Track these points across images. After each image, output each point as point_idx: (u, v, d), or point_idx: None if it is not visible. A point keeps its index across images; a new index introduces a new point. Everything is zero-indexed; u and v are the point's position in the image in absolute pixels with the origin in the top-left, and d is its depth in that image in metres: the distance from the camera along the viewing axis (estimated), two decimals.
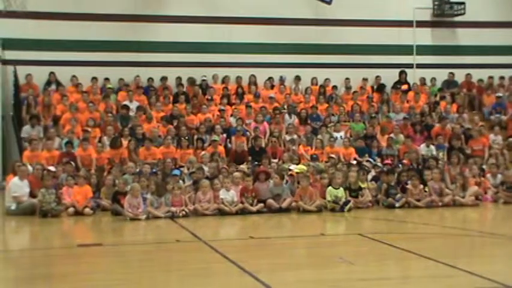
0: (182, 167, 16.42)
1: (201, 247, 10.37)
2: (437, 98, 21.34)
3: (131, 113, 18.93)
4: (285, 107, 19.94)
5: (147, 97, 19.96)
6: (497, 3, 23.15)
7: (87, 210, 14.13)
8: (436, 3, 22.69)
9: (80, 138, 17.27)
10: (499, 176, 16.29)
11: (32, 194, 14.43)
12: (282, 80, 21.40)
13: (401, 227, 12.97)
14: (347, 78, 21.66)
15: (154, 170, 15.63)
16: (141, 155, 17.03)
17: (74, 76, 20.22)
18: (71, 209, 14.10)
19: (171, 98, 20.02)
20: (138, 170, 15.62)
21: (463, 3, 22.41)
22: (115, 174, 15.25)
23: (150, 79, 20.71)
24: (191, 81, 20.86)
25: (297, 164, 16.27)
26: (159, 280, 8.12)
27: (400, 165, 16.79)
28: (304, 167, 15.88)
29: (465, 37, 22.96)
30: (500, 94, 21.49)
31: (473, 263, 9.01)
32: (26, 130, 17.91)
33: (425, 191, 15.20)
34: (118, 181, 14.73)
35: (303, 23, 21.70)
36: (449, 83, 22.21)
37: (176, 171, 15.65)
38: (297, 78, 21.40)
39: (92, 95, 19.66)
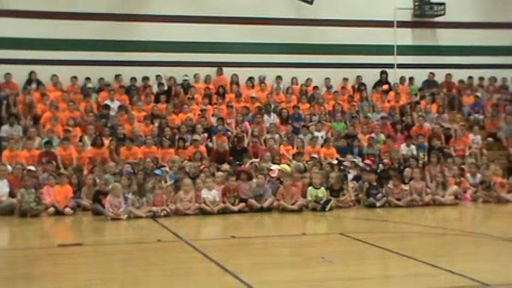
0: (164, 166, 16.38)
1: (182, 247, 10.35)
2: (418, 98, 21.47)
3: (112, 113, 18.86)
4: (266, 106, 19.94)
5: (129, 97, 19.88)
6: (477, 4, 23.33)
7: (67, 210, 14.06)
8: (417, 3, 22.82)
9: (61, 138, 17.18)
10: (478, 175, 16.45)
11: (12, 194, 14.35)
12: (261, 80, 21.41)
13: (383, 227, 13.04)
14: (328, 78, 21.72)
15: (135, 170, 15.58)
16: (123, 154, 16.98)
17: (54, 75, 20.07)
18: (51, 209, 14.02)
19: (153, 98, 19.95)
20: (119, 169, 15.56)
21: (443, 4, 22.55)
22: (96, 174, 15.18)
23: (133, 79, 20.61)
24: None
25: (278, 164, 16.31)
26: (140, 280, 8.08)
27: (380, 165, 16.91)
28: (288, 167, 15.92)
29: (445, 37, 23.11)
30: (479, 94, 21.67)
31: (453, 261, 9.08)
32: (5, 129, 17.76)
33: (406, 190, 15.31)
34: (99, 181, 14.67)
35: (285, 23, 21.71)
36: (430, 83, 22.35)
37: (158, 171, 15.62)
38: (279, 78, 21.42)
39: (72, 94, 19.55)
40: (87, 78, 20.38)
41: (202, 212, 14.05)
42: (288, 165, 16.35)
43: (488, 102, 21.37)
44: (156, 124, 18.58)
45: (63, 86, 20.03)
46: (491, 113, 20.61)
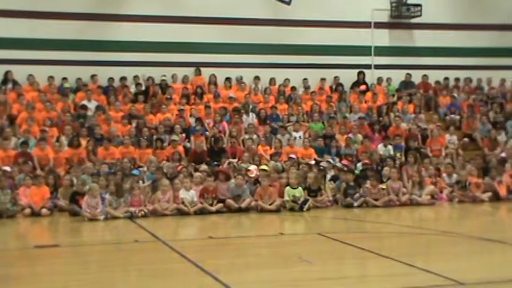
0: (141, 167, 16.33)
1: (160, 247, 10.33)
2: (395, 99, 21.61)
3: (89, 113, 18.77)
4: (245, 106, 19.95)
5: (107, 97, 19.79)
6: (453, 6, 23.53)
7: (44, 210, 13.96)
8: (394, 5, 22.95)
9: (37, 138, 17.04)
10: (454, 175, 16.61)
11: None
12: (238, 80, 21.42)
13: (360, 226, 13.12)
14: (306, 79, 21.78)
15: (112, 170, 15.52)
16: (100, 155, 16.90)
17: (30, 75, 19.89)
18: (28, 210, 13.91)
19: (131, 98, 19.87)
20: (96, 170, 15.49)
21: (419, 5, 22.71)
22: (73, 175, 15.10)
23: (111, 79, 20.50)
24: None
25: (257, 164, 16.34)
26: (117, 281, 8.07)
27: (358, 165, 17.00)
28: (267, 167, 15.95)
29: (422, 39, 23.26)
30: (455, 95, 21.87)
31: (429, 261, 9.17)
32: None
33: (383, 189, 15.42)
34: (76, 181, 14.59)
35: (263, 23, 21.73)
36: (407, 84, 22.50)
37: (136, 171, 15.58)
38: (257, 78, 21.44)
39: (49, 94, 19.41)
40: (64, 78, 20.22)
41: (180, 213, 14.03)
42: (266, 165, 16.38)
43: (464, 103, 21.56)
44: (134, 124, 18.52)
45: (40, 86, 19.87)
46: (467, 114, 20.79)
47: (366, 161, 17.08)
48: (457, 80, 22.91)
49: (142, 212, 13.68)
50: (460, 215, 14.99)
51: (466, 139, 19.66)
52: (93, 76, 20.41)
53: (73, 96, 19.75)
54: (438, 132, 18.95)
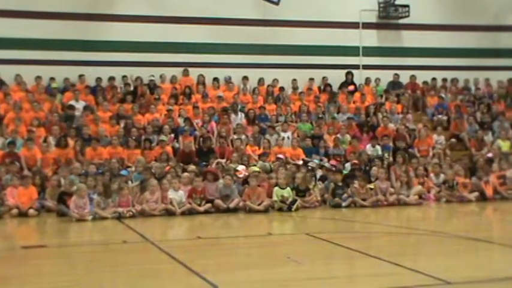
0: (130, 167, 16.30)
1: (148, 248, 10.32)
2: (383, 99, 21.68)
3: (77, 113, 18.71)
4: (233, 105, 19.95)
5: (95, 97, 19.73)
6: (440, 7, 23.63)
7: (31, 211, 13.91)
8: (382, 5, 23.03)
9: (24, 138, 16.97)
10: (442, 175, 16.68)
11: None
12: (227, 80, 21.41)
13: (348, 227, 13.16)
14: (294, 79, 21.81)
15: (100, 170, 15.48)
16: (88, 155, 16.86)
17: (18, 75, 19.80)
18: (15, 210, 13.85)
19: (120, 98, 19.82)
20: (84, 170, 15.45)
21: (407, 6, 22.80)
22: (61, 175, 15.04)
23: (99, 79, 20.44)
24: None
25: (245, 165, 16.35)
26: (105, 282, 8.04)
27: (347, 165, 17.05)
28: (259, 168, 15.97)
29: (409, 39, 23.35)
30: (443, 95, 21.97)
31: (417, 260, 9.22)
32: None
33: (371, 189, 15.47)
34: (64, 182, 14.54)
35: (251, 23, 21.75)
36: (395, 84, 22.58)
37: (124, 172, 15.54)
38: (245, 79, 21.44)
39: (36, 94, 19.34)
40: (52, 78, 20.16)
41: (169, 213, 14.01)
42: (255, 165, 16.39)
43: (452, 104, 21.66)
44: (122, 125, 18.48)
45: (27, 86, 19.78)
46: (454, 114, 20.89)
47: (355, 161, 17.12)
48: (444, 80, 23.02)
49: (131, 213, 13.66)
50: (447, 215, 15.06)
51: (453, 139, 19.76)
52: (80, 76, 20.33)
53: (60, 96, 19.68)
54: (426, 133, 19.03)
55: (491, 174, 16.78)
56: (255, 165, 16.32)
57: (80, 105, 19.11)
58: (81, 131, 17.76)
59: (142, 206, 13.90)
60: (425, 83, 22.75)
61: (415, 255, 9.76)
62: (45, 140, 17.13)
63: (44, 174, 15.62)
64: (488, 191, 16.37)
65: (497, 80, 23.39)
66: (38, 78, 19.87)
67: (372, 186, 15.57)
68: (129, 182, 15.10)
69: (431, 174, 16.82)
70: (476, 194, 16.24)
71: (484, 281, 7.64)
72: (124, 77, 20.69)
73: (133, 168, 16.03)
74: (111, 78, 20.54)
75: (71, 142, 17.08)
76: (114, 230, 12.48)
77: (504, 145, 18.97)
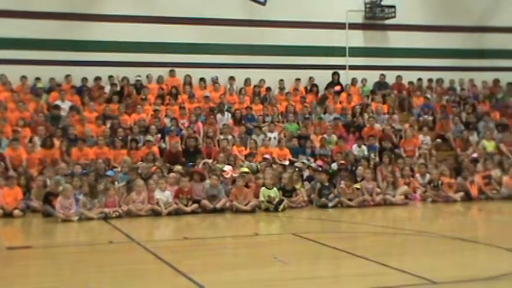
0: (116, 167, 16.25)
1: (134, 248, 10.30)
2: (369, 100, 21.74)
3: (63, 113, 18.63)
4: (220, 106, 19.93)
5: (81, 97, 19.65)
6: (426, 7, 23.74)
7: (16, 212, 13.84)
8: (368, 6, 23.10)
9: (10, 139, 16.88)
10: (427, 175, 16.76)
11: None
12: (214, 80, 21.40)
13: (334, 227, 13.20)
14: (281, 80, 21.83)
15: (86, 171, 15.43)
16: (74, 155, 16.78)
17: (2, 75, 19.67)
18: (0, 211, 13.77)
19: (106, 98, 19.76)
20: (70, 170, 15.39)
21: (393, 6, 22.88)
22: (47, 175, 14.98)
23: (85, 79, 20.36)
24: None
25: (232, 165, 16.35)
26: (91, 282, 8.02)
27: (333, 165, 17.09)
28: (248, 169, 15.97)
29: (396, 40, 23.44)
30: (429, 96, 22.07)
31: (403, 260, 9.26)
32: None
33: (358, 189, 15.52)
34: (50, 182, 14.47)
35: (237, 23, 21.74)
36: (381, 85, 22.66)
37: (110, 172, 15.50)
38: (232, 79, 21.43)
39: (22, 94, 19.23)
40: (37, 78, 20.05)
41: (155, 213, 13.99)
42: (242, 166, 16.40)
43: (437, 104, 21.77)
44: (109, 125, 18.42)
45: (13, 86, 19.66)
46: (439, 115, 21.00)
47: (342, 161, 17.17)
48: (430, 81, 23.13)
49: (117, 213, 13.62)
50: (433, 215, 15.14)
51: (439, 140, 19.86)
52: (67, 76, 20.24)
53: (46, 96, 19.58)
54: (412, 133, 19.10)
55: (476, 174, 16.90)
56: (242, 166, 16.31)
57: (65, 105, 19.03)
58: (67, 131, 17.68)
59: (128, 207, 13.87)
60: (411, 83, 22.84)
61: (401, 255, 9.80)
62: (30, 140, 17.04)
63: (30, 175, 15.54)
64: (474, 191, 16.48)
65: (481, 81, 23.53)
66: (24, 78, 19.76)
67: (358, 186, 15.62)
68: (115, 182, 15.05)
69: (417, 175, 16.89)
70: (461, 194, 16.34)
71: (469, 281, 7.69)
72: (110, 77, 20.62)
73: (119, 169, 15.98)
74: (98, 78, 20.47)
75: (56, 142, 17.00)
76: (100, 231, 12.44)
77: (489, 145, 19.08)
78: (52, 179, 14.60)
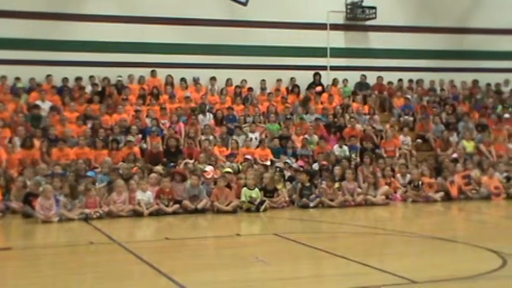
0: (97, 168, 16.18)
1: (115, 249, 10.26)
2: (351, 100, 21.82)
3: (43, 113, 18.50)
4: (201, 106, 19.91)
5: (61, 97, 19.53)
6: (407, 9, 23.88)
7: None
8: (349, 7, 23.19)
9: None
10: (408, 176, 16.87)
11: None
12: (195, 81, 21.37)
13: (316, 227, 13.24)
14: (263, 80, 21.85)
15: (66, 171, 15.34)
16: (54, 156, 16.68)
17: None
18: None
19: (87, 98, 19.65)
20: (50, 171, 15.29)
21: (374, 7, 22.99)
22: (27, 176, 14.87)
23: (65, 79, 20.24)
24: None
25: (213, 165, 16.34)
26: (72, 283, 7.99)
27: (314, 166, 17.15)
28: (230, 170, 15.96)
29: (377, 41, 23.55)
30: (409, 96, 22.21)
31: (384, 260, 9.31)
32: None
33: (339, 189, 15.58)
34: (30, 183, 14.37)
35: (219, 24, 21.73)
36: (362, 85, 22.76)
37: (91, 173, 15.42)
38: (213, 79, 21.42)
39: (1, 94, 19.08)
40: (17, 78, 19.90)
41: (136, 214, 13.94)
42: (223, 166, 16.39)
43: (418, 104, 21.90)
44: (89, 125, 18.33)
45: None
46: (420, 115, 21.13)
47: (323, 161, 17.22)
48: (410, 81, 23.27)
49: (98, 214, 13.56)
50: (414, 215, 15.24)
51: (419, 140, 19.99)
52: (48, 76, 20.11)
53: (26, 96, 19.43)
54: (392, 133, 19.19)
55: (456, 174, 17.03)
56: (223, 166, 16.31)
57: (46, 105, 18.90)
58: (48, 131, 17.56)
59: (109, 207, 13.82)
60: (390, 83, 22.95)
61: (382, 255, 9.86)
62: (10, 141, 16.90)
63: (9, 175, 15.41)
64: (453, 191, 16.61)
65: (461, 81, 23.72)
66: (3, 78, 19.61)
67: (336, 185, 15.67)
68: (96, 183, 14.98)
69: (398, 175, 16.99)
70: (441, 193, 16.46)
71: (449, 280, 7.76)
72: (91, 77, 20.52)
73: (100, 169, 15.91)
74: (78, 79, 20.36)
75: (36, 143, 16.88)
76: (81, 232, 12.38)
77: (468, 145, 19.24)
78: (32, 180, 14.50)
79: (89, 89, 20.24)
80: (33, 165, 15.70)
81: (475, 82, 23.72)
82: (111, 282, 7.96)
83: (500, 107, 22.16)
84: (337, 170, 16.21)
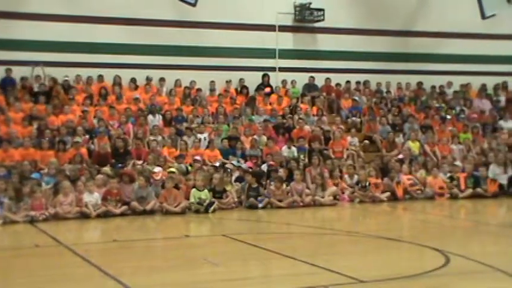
0: (43, 169, 15.91)
1: (62, 251, 10.13)
2: (299, 102, 21.98)
3: None
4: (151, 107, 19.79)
5: (5, 97, 19.11)
6: (354, 11, 24.15)
7: None
8: (298, 9, 23.35)
9: None
10: (355, 176, 17.09)
11: None
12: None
13: (264, 227, 13.32)
14: (212, 81, 21.83)
15: (10, 173, 15.04)
16: None
17: None
18: None
19: (32, 98, 19.30)
20: None
21: (322, 10, 23.20)
22: None
23: (8, 78, 19.79)
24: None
25: (161, 166, 16.26)
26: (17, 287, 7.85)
27: (263, 166, 17.22)
28: (176, 170, 15.89)
29: (324, 42, 23.78)
30: (357, 98, 22.49)
31: (331, 260, 9.39)
32: None
33: (288, 191, 15.69)
34: None
35: (168, 24, 21.63)
36: (310, 87, 22.95)
37: (36, 175, 15.16)
38: (162, 80, 21.30)
39: None
40: None
41: (84, 216, 13.77)
42: (173, 167, 16.32)
43: (365, 106, 22.19)
44: (35, 126, 17.99)
45: None
46: (367, 116, 21.42)
47: (272, 162, 17.31)
48: (358, 83, 23.56)
49: (44, 216, 13.34)
50: (360, 215, 15.47)
51: (366, 141, 20.26)
52: None
53: None
54: (340, 134, 19.41)
55: (402, 174, 17.32)
56: (173, 167, 16.24)
57: None
58: None
59: (56, 209, 13.61)
60: (338, 85, 23.19)
61: (330, 255, 9.96)
62: None
63: None
64: (399, 191, 16.89)
65: (406, 83, 24.14)
66: None
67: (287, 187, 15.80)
68: (42, 184, 14.73)
69: (346, 175, 17.20)
70: (387, 194, 16.72)
71: (396, 279, 7.91)
72: (37, 76, 20.15)
73: (46, 171, 15.65)
74: (23, 78, 19.97)
75: None
76: (26, 234, 12.18)
77: (414, 146, 19.58)
78: None
79: (35, 88, 19.83)
80: None
81: (420, 84, 24.17)
82: (58, 286, 7.85)
83: (444, 108, 22.62)
84: (280, 173, 16.30)
